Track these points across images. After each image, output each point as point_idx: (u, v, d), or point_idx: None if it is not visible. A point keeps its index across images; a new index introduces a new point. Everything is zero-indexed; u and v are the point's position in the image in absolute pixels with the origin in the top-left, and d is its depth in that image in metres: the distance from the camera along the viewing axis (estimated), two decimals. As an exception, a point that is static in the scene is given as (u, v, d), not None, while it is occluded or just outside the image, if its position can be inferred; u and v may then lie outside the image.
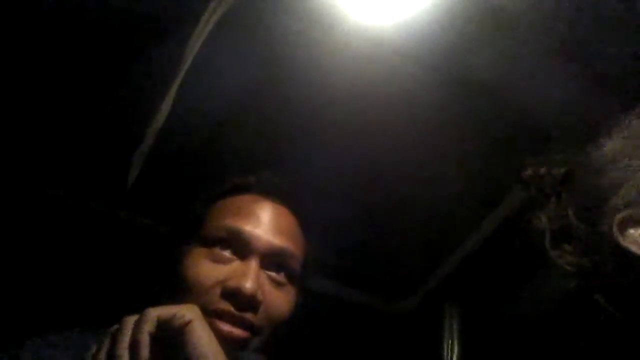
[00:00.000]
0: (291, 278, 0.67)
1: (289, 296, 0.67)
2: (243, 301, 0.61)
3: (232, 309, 0.61)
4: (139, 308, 0.56)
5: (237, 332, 0.61)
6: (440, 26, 0.82)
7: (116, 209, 1.12)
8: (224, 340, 0.58)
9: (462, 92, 0.89)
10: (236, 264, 0.64)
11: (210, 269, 0.63)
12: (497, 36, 0.81)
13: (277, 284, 0.66)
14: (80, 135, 1.05)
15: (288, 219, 0.70)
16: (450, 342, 1.30)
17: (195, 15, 0.86)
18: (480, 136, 0.98)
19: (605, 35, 0.80)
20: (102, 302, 0.99)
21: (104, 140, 1.06)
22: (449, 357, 1.29)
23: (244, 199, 0.70)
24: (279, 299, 0.65)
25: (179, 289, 0.64)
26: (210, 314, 0.60)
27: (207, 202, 0.71)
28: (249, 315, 0.62)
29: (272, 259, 0.65)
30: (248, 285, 0.61)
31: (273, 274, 0.65)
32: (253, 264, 0.64)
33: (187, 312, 0.55)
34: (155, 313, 0.54)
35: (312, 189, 1.05)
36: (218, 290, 0.62)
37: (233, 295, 0.61)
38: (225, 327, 0.60)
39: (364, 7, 0.81)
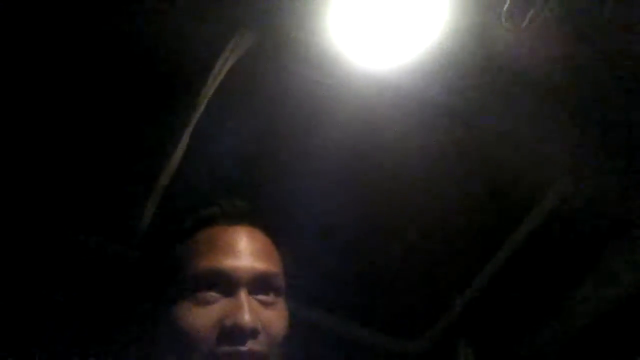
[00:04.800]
0: (279, 295, 0.67)
1: (282, 312, 0.67)
2: (244, 335, 0.61)
3: (236, 347, 0.61)
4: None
5: None
6: (443, 67, 0.85)
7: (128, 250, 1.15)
8: None
9: (465, 133, 0.93)
10: (225, 301, 0.63)
11: (202, 314, 0.62)
12: (497, 89, 0.84)
13: (268, 304, 0.65)
14: (97, 178, 1.10)
15: (261, 240, 0.69)
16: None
17: (209, 67, 0.91)
18: (483, 177, 1.00)
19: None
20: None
21: (120, 181, 1.10)
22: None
23: (214, 233, 0.68)
24: (274, 319, 0.65)
25: (172, 342, 0.63)
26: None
27: (175, 243, 0.68)
28: (251, 346, 0.61)
29: (257, 285, 0.65)
30: (246, 318, 0.61)
31: (262, 297, 0.65)
32: (242, 295, 0.63)
33: None
34: None
35: (319, 228, 1.08)
36: (215, 333, 0.61)
37: (232, 333, 0.61)
38: None
39: (367, 52, 0.85)
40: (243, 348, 0.61)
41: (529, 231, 1.13)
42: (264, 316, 0.64)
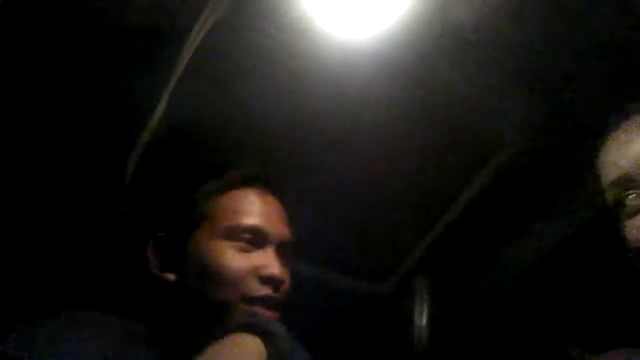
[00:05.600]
0: (288, 258, 0.80)
1: (289, 273, 0.79)
2: (276, 285, 0.74)
3: (270, 292, 0.73)
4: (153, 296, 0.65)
5: (274, 314, 0.73)
6: (415, 37, 0.92)
7: (116, 205, 1.20)
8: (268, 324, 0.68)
9: (428, 96, 1.01)
10: (259, 252, 0.75)
11: (240, 259, 0.74)
12: (461, 53, 0.92)
13: (284, 262, 0.78)
14: (79, 135, 1.13)
15: (283, 209, 0.82)
16: (420, 316, 1.42)
17: (189, 24, 0.95)
18: (443, 134, 1.11)
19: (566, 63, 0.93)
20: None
21: (102, 139, 1.14)
22: (419, 333, 1.41)
23: (248, 194, 0.79)
24: (288, 278, 0.78)
25: (210, 279, 0.73)
26: (254, 301, 0.73)
27: (213, 194, 0.79)
28: (278, 294, 0.75)
29: (282, 245, 0.78)
30: (280, 271, 0.74)
31: (282, 255, 0.77)
32: (272, 252, 0.76)
33: None
34: None
35: (292, 181, 1.16)
36: (253, 278, 0.73)
37: (268, 281, 0.73)
38: (267, 312, 0.73)
39: (340, 20, 0.91)
40: (275, 294, 0.74)
41: (487, 177, 1.25)
42: (282, 270, 0.76)
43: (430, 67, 1.01)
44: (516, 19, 0.90)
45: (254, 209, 0.77)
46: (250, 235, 0.75)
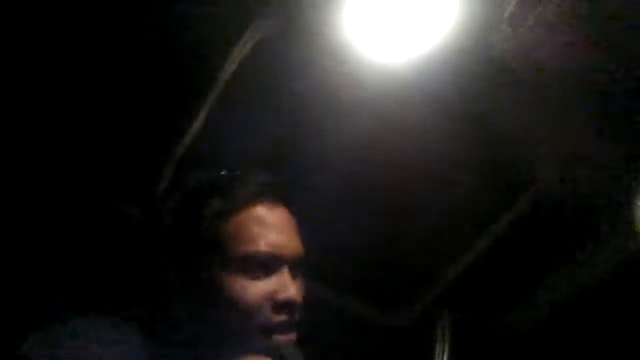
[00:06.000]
0: (302, 272, 0.76)
1: (302, 289, 0.75)
2: (293, 309, 0.71)
3: (285, 318, 0.70)
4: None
5: (293, 337, 0.71)
6: (449, 63, 0.93)
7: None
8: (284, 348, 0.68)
9: (465, 126, 1.01)
10: (273, 277, 0.71)
11: (254, 287, 0.70)
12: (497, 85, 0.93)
13: (297, 280, 0.74)
14: (117, 145, 1.16)
15: (294, 222, 0.77)
16: (441, 351, 1.38)
17: (227, 51, 0.98)
18: (475, 166, 1.10)
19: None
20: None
21: (138, 151, 1.17)
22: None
23: (257, 214, 0.73)
24: (301, 293, 0.74)
25: (225, 311, 0.70)
26: (270, 330, 0.70)
27: (218, 219, 0.72)
28: (297, 317, 0.72)
29: (295, 263, 0.74)
30: (296, 294, 0.71)
31: (295, 273, 0.74)
32: (287, 273, 0.72)
33: None
34: None
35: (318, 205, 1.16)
36: (269, 306, 0.70)
37: (285, 306, 0.70)
38: (284, 338, 0.70)
39: (379, 45, 0.93)
40: (293, 318, 0.71)
41: (516, 215, 1.24)
42: (298, 290, 0.73)
43: (466, 96, 1.01)
44: (557, 55, 0.90)
45: (264, 232, 0.72)
46: (259, 261, 0.71)
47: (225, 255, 0.71)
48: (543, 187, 1.17)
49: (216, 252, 0.71)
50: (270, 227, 0.73)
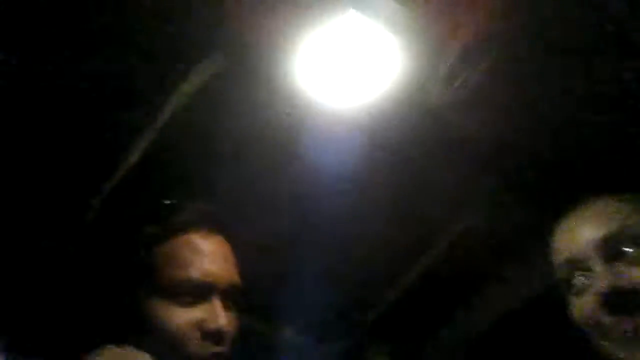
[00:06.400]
0: (238, 303, 0.76)
1: (237, 319, 0.75)
2: (223, 339, 0.70)
3: (214, 348, 0.69)
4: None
5: None
6: (396, 113, 0.98)
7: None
8: None
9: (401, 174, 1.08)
10: (202, 306, 0.70)
11: (182, 315, 0.69)
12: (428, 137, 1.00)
13: (230, 309, 0.73)
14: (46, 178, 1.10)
15: (228, 248, 0.76)
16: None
17: (175, 82, 0.97)
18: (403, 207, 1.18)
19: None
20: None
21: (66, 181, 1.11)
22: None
23: (191, 241, 0.72)
24: (234, 322, 0.73)
25: (152, 337, 0.69)
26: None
27: (153, 243, 0.72)
28: (225, 347, 0.71)
29: (227, 292, 0.73)
30: (225, 323, 0.70)
31: (228, 304, 0.73)
32: (218, 302, 0.71)
33: None
34: None
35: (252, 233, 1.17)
36: (197, 335, 0.69)
37: (214, 335, 0.69)
38: None
39: (328, 91, 0.96)
40: (223, 348, 0.70)
41: (439, 251, 1.32)
42: (229, 320, 0.72)
43: (406, 142, 1.07)
44: (490, 106, 0.98)
45: (196, 259, 0.71)
46: (192, 290, 0.70)
47: (157, 282, 0.70)
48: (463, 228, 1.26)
49: (149, 278, 0.70)
50: (203, 254, 0.72)
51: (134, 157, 1.09)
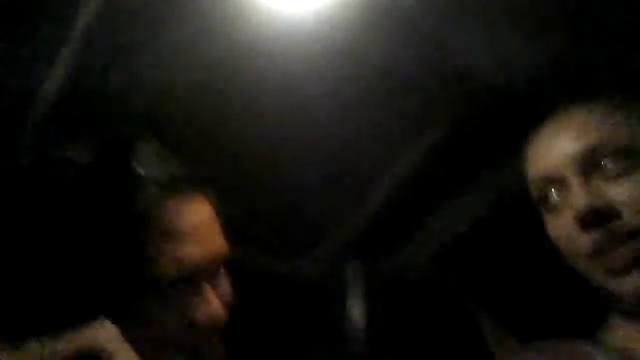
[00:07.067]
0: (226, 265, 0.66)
1: (228, 283, 0.66)
2: (216, 322, 0.62)
3: (211, 336, 0.62)
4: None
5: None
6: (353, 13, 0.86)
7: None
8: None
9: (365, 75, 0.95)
10: (191, 294, 0.60)
11: (171, 311, 0.59)
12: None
13: (221, 277, 0.65)
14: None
15: (212, 213, 0.64)
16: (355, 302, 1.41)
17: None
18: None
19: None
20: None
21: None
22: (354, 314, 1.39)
23: (168, 214, 0.58)
24: (228, 291, 0.65)
25: (148, 337, 0.58)
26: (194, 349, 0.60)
27: (115, 228, 0.56)
28: (220, 333, 0.63)
29: (217, 266, 0.64)
30: (218, 311, 0.61)
31: (217, 277, 0.64)
32: (208, 287, 0.61)
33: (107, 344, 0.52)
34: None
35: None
36: (189, 329, 0.60)
37: (207, 326, 0.61)
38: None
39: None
40: (216, 337, 0.62)
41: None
42: (222, 293, 0.63)
43: (366, 44, 0.95)
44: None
45: (171, 239, 0.57)
46: (175, 278, 0.58)
47: (126, 274, 0.57)
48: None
49: (113, 269, 0.56)
50: (178, 237, 0.58)
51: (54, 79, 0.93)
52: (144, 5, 0.86)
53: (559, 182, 0.68)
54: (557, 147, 0.68)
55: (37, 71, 0.92)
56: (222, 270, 0.66)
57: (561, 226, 0.68)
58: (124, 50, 0.90)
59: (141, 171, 0.57)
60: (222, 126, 1.06)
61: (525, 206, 0.79)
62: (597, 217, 0.63)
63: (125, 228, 0.56)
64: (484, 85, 1.05)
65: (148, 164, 0.59)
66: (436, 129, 1.17)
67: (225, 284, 0.65)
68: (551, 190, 0.69)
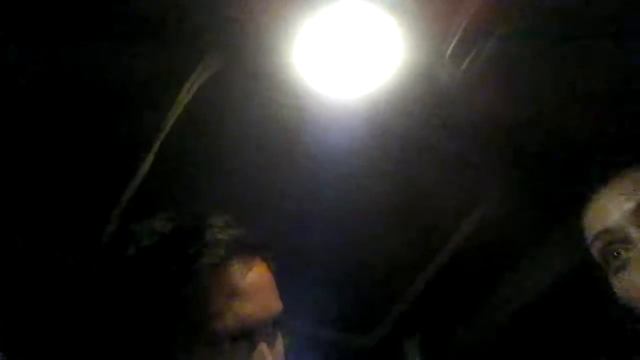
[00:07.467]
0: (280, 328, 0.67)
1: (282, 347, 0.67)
2: None
3: None
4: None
5: None
6: (397, 99, 0.95)
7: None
8: None
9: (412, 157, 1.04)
10: (248, 350, 0.61)
11: None
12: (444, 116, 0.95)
13: (275, 340, 0.66)
14: (62, 188, 1.09)
15: (270, 277, 0.67)
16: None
17: (175, 90, 0.95)
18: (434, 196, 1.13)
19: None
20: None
21: (84, 195, 1.11)
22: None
23: (230, 277, 0.62)
24: (280, 354, 0.66)
25: None
26: None
27: (183, 282, 0.61)
28: None
29: (271, 326, 0.65)
30: None
31: (272, 337, 0.65)
32: (263, 345, 0.62)
33: None
34: None
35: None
36: None
37: None
38: None
39: (330, 81, 0.93)
40: None
41: (458, 243, 1.28)
42: (276, 355, 0.64)
43: (414, 127, 1.03)
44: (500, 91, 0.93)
45: (233, 303, 0.60)
46: (233, 335, 0.61)
47: (190, 326, 0.61)
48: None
49: (179, 319, 0.60)
50: (241, 295, 0.62)
51: (146, 164, 1.08)
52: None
53: (620, 236, 0.69)
54: (613, 204, 0.70)
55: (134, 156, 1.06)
56: (278, 333, 0.68)
57: (631, 282, 0.67)
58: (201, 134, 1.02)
59: (211, 236, 0.64)
60: (284, 204, 1.14)
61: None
62: None
63: (196, 283, 0.61)
64: (539, 158, 1.09)
65: (218, 230, 0.64)
66: (489, 203, 1.20)
67: (279, 346, 0.66)
68: (613, 248, 0.69)
